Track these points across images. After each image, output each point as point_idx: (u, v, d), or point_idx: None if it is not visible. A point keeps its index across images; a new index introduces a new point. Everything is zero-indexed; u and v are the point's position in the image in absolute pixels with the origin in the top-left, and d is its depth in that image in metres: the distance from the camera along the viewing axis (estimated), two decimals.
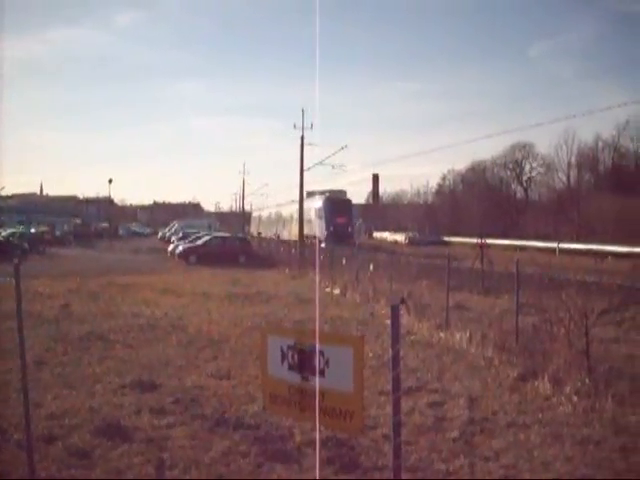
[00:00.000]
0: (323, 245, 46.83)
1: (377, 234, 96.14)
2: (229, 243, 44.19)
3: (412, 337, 14.20)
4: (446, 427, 8.13)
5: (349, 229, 57.24)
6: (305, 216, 53.23)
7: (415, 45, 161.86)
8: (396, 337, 4.66)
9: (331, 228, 54.28)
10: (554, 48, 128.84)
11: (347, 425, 5.13)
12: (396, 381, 4.66)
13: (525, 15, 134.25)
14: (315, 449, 6.96)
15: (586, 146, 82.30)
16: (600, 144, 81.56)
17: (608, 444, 7.42)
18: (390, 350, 4.71)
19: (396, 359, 4.62)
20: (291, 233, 61.85)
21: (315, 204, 58.51)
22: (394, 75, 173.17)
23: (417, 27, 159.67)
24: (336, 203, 58.25)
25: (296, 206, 56.99)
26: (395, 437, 4.64)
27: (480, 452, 7.26)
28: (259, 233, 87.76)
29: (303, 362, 5.35)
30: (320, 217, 56.83)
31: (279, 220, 76.28)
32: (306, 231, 53.19)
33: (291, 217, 64.29)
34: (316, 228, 55.87)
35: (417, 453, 7.17)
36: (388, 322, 15.15)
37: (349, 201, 63.09)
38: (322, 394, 5.16)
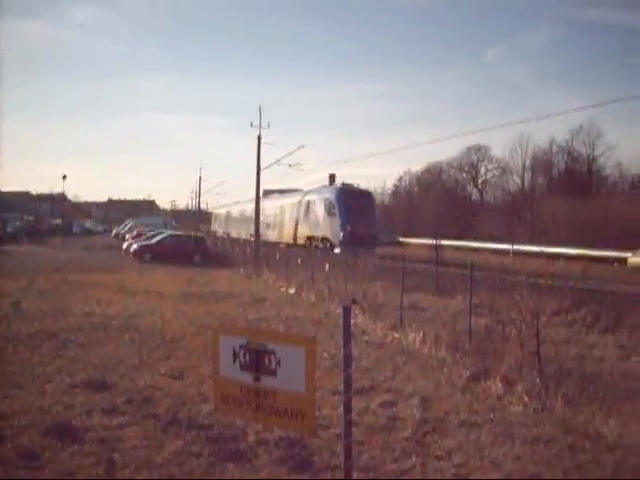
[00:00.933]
0: (337, 251, 38.65)
1: None
2: (184, 242, 43.83)
3: (366, 337, 14.27)
4: (399, 427, 8.16)
5: (373, 229, 42.82)
6: (300, 212, 48.40)
7: (373, 46, 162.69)
8: (347, 338, 4.68)
9: (348, 228, 40.50)
10: (509, 52, 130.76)
11: (299, 425, 5.13)
12: (347, 381, 4.68)
13: (481, 19, 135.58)
14: (268, 448, 6.96)
15: (540, 150, 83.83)
16: (554, 148, 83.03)
17: (557, 443, 7.53)
18: (342, 350, 4.72)
19: (347, 359, 4.64)
20: (283, 234, 52.60)
21: (322, 196, 45.92)
22: (351, 75, 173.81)
23: (375, 28, 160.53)
24: (355, 195, 44.25)
25: (288, 200, 52.36)
26: (346, 437, 4.65)
27: (432, 451, 7.30)
28: (227, 234, 74.89)
29: (255, 362, 5.34)
30: (332, 214, 42.91)
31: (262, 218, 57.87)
32: (308, 231, 46.57)
33: (281, 213, 54.74)
34: (325, 229, 43.79)
35: (369, 453, 7.19)
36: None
37: (370, 194, 50.07)
38: (274, 394, 5.16)
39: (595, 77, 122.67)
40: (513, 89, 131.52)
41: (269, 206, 57.23)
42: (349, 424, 4.72)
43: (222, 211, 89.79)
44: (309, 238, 46.08)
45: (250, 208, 58.03)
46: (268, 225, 56.62)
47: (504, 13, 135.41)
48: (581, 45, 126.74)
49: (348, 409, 4.66)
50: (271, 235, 55.11)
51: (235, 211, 77.87)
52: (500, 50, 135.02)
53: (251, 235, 50.47)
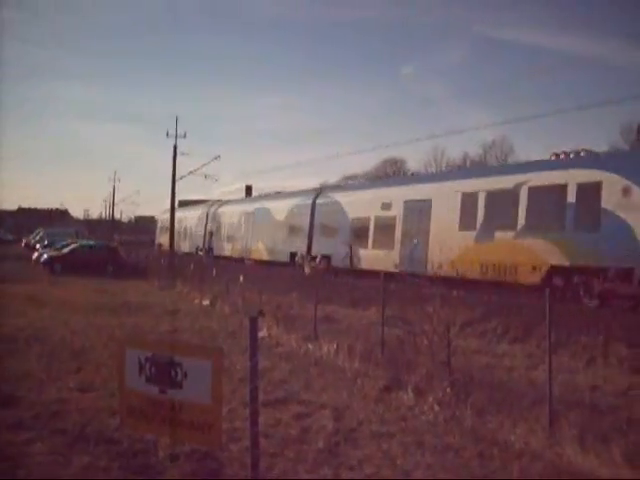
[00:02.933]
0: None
1: None
2: (97, 252, 42.75)
3: (280, 349, 14.25)
4: (311, 438, 8.16)
5: None
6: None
7: (293, 60, 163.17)
8: (254, 350, 4.66)
9: None
10: (426, 68, 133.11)
11: (206, 438, 5.08)
12: (254, 394, 4.66)
13: (397, 34, 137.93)
14: (177, 463, 6.85)
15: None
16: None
17: (467, 451, 7.67)
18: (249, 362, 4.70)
19: (254, 372, 4.62)
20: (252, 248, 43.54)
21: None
22: (269, 87, 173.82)
23: (293, 40, 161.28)
24: None
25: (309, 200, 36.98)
26: (253, 449, 4.62)
27: (344, 462, 7.33)
28: (199, 249, 55.60)
29: (161, 374, 5.26)
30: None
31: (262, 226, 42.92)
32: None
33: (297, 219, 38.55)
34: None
35: (282, 464, 7.17)
36: (258, 333, 15.10)
37: None
38: (180, 407, 5.09)
39: (508, 94, 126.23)
40: (428, 104, 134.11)
41: (229, 213, 49.99)
42: (256, 436, 4.70)
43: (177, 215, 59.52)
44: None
45: (239, 210, 48.10)
46: (226, 237, 49.71)
47: (420, 29, 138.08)
48: (493, 64, 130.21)
49: (255, 421, 4.63)
50: (228, 248, 48.91)
51: (195, 216, 58.98)
52: (416, 66, 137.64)
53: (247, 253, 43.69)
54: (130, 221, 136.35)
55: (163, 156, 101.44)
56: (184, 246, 58.53)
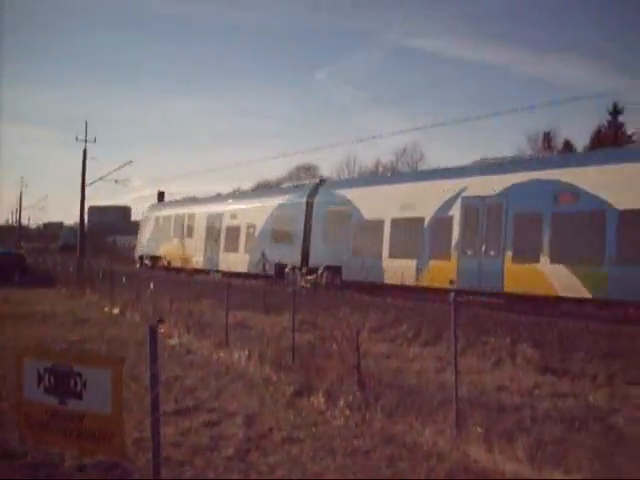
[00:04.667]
0: None
1: None
2: (3, 259, 41.40)
3: (191, 356, 14.10)
4: (222, 445, 8.10)
5: None
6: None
7: (205, 62, 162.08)
8: (154, 358, 4.60)
9: None
10: (338, 74, 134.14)
11: (108, 448, 4.97)
12: (155, 402, 4.59)
13: (310, 40, 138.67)
14: (85, 473, 6.68)
15: (367, 170, 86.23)
16: (380, 168, 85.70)
17: (376, 454, 7.74)
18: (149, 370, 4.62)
19: (154, 380, 4.55)
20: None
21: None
22: (181, 90, 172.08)
23: (206, 44, 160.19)
24: None
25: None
26: (154, 457, 4.55)
27: (255, 468, 7.30)
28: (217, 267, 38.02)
29: (60, 385, 5.13)
30: None
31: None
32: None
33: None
34: None
35: (191, 472, 7.09)
36: (168, 341, 14.93)
37: None
38: (80, 418, 4.97)
39: (419, 102, 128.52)
40: (341, 111, 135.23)
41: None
42: (157, 444, 4.61)
43: (174, 213, 45.87)
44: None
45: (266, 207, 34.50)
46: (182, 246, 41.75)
47: (334, 35, 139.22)
48: (404, 72, 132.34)
49: (156, 430, 4.55)
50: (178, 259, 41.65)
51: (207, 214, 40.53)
52: (329, 72, 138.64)
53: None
54: (39, 228, 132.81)
55: (72, 160, 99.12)
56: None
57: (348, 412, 9.25)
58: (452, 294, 9.05)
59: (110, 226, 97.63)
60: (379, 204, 26.73)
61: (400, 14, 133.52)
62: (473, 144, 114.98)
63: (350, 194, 28.78)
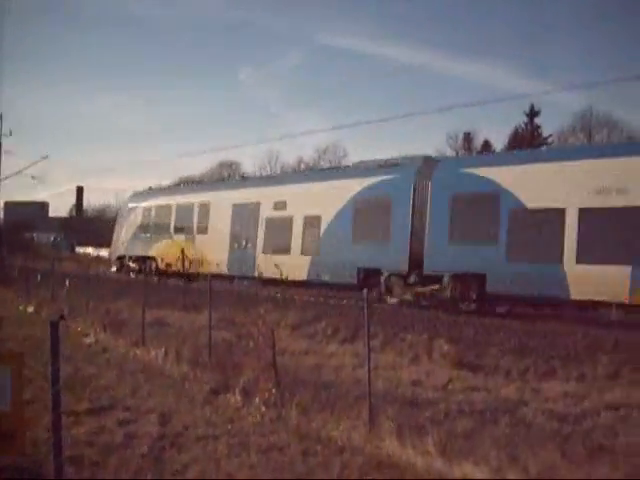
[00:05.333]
0: None
1: (80, 249, 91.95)
2: None
3: (107, 354, 13.90)
4: (136, 444, 8.01)
5: None
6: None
7: (125, 57, 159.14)
8: (56, 355, 4.52)
9: None
10: (262, 72, 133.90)
11: (7, 447, 4.85)
12: (56, 400, 4.51)
13: (234, 38, 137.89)
14: None
15: (289, 167, 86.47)
16: (302, 166, 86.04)
17: (291, 450, 7.78)
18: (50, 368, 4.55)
19: (55, 377, 4.47)
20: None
21: None
22: (100, 87, 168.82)
23: (127, 38, 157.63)
24: None
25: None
26: (56, 457, 4.47)
27: (168, 466, 7.25)
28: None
29: None
30: None
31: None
32: None
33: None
34: None
35: (103, 471, 7.00)
36: (85, 340, 14.64)
37: None
38: None
39: (341, 100, 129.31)
40: (264, 109, 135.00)
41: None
42: (59, 443, 4.54)
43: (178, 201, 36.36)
44: None
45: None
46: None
47: (258, 33, 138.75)
48: (325, 71, 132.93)
49: (57, 427, 4.47)
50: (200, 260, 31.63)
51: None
52: (251, 70, 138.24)
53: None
54: None
55: None
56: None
57: (264, 409, 9.26)
58: (364, 291, 9.18)
59: (27, 222, 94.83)
60: (553, 187, 19.78)
61: (321, 13, 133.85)
62: (396, 143, 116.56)
63: (498, 173, 21.12)
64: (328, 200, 26.05)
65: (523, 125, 67.17)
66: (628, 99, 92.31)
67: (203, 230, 32.92)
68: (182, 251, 32.46)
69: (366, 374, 8.77)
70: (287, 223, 27.60)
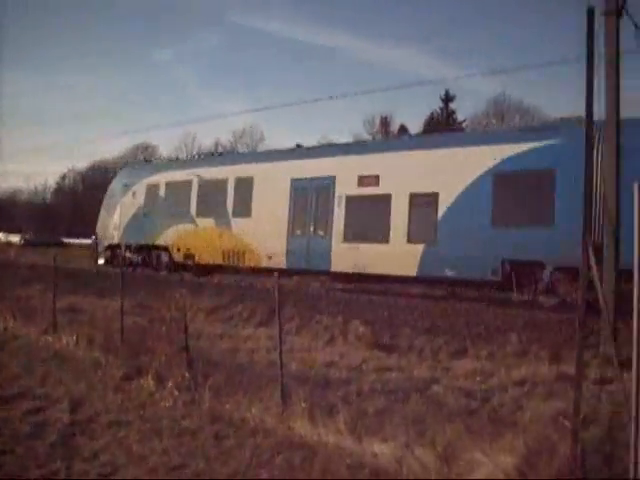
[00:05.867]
0: None
1: None
2: None
3: (17, 342, 13.61)
4: (46, 433, 7.91)
5: None
6: None
7: (28, 35, 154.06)
8: None
9: None
10: (177, 54, 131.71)
11: None
12: None
13: (149, 18, 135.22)
14: None
15: (206, 149, 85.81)
16: (219, 148, 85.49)
17: (203, 433, 7.81)
18: None
19: None
20: None
21: None
22: (9, 66, 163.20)
23: (37, 20, 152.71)
24: None
25: None
26: None
27: (79, 453, 7.20)
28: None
29: None
30: None
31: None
32: None
33: None
34: None
35: (11, 462, 6.92)
36: None
37: None
38: None
39: (259, 82, 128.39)
40: (181, 90, 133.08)
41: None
42: None
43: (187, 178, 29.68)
44: None
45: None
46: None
47: (172, 15, 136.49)
48: (247, 51, 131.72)
49: None
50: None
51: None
52: (168, 52, 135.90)
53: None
54: None
55: None
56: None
57: (177, 393, 9.26)
58: (276, 273, 9.22)
59: None
60: None
61: None
62: (314, 127, 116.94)
63: None
64: (449, 173, 20.68)
65: (439, 110, 68.32)
66: (538, 85, 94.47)
67: (243, 212, 26.30)
68: (209, 239, 27.14)
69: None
70: (382, 203, 21.99)
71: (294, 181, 24.69)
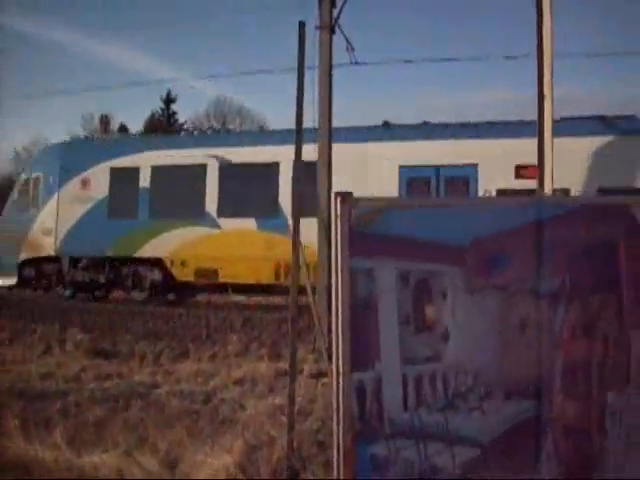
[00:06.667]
0: None
1: None
2: None
3: None
4: None
5: None
6: None
7: None
8: None
9: None
10: None
11: None
12: None
13: None
14: None
15: None
16: None
17: None
18: None
19: None
20: None
21: None
22: None
23: None
24: None
25: None
26: None
27: None
28: None
29: None
30: None
31: None
32: None
33: None
34: None
35: None
36: None
37: None
38: None
39: None
40: None
41: None
42: None
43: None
44: None
45: None
46: None
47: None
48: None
49: None
50: None
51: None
52: None
53: None
54: None
55: None
56: None
57: None
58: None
59: None
60: None
61: None
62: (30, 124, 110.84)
63: None
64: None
65: (160, 110, 67.83)
66: (257, 90, 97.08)
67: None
68: (248, 247, 19.30)
69: None
70: None
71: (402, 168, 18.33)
